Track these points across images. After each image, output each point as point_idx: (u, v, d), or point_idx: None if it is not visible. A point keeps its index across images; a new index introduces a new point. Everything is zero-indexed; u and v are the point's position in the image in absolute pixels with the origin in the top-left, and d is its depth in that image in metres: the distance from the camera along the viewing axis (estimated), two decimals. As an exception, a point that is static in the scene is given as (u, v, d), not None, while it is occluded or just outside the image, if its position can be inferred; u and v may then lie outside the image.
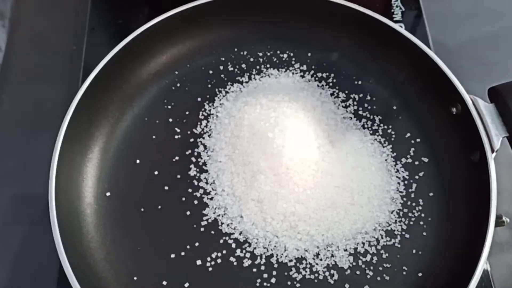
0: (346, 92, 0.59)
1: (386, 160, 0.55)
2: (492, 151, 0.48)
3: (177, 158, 0.55)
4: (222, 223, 0.52)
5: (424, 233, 0.52)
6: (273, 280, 0.49)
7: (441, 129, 0.55)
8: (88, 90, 0.52)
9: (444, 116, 0.54)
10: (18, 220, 0.58)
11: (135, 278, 0.50)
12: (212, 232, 0.52)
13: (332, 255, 0.50)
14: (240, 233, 0.51)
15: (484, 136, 0.49)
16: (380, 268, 0.50)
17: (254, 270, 0.50)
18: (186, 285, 0.49)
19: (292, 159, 0.52)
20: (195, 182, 0.54)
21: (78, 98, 0.52)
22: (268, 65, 0.61)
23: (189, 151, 0.56)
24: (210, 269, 0.50)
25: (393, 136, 0.56)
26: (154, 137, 0.57)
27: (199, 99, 0.59)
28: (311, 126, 0.55)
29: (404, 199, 0.53)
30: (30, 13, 0.73)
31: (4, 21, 0.71)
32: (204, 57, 0.61)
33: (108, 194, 0.54)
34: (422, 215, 0.52)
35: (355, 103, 0.59)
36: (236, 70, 0.61)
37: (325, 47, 0.61)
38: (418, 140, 0.56)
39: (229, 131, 0.56)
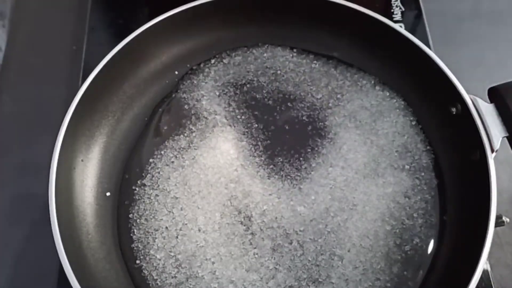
0: (346, 92, 0.59)
1: (386, 160, 0.55)
2: (492, 151, 0.48)
3: (177, 158, 0.56)
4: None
5: (424, 233, 0.52)
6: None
7: (441, 129, 0.55)
8: (88, 90, 0.52)
9: (444, 116, 0.54)
10: (18, 220, 0.58)
11: (135, 278, 0.50)
12: (212, 232, 0.52)
13: (332, 259, 0.50)
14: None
15: (484, 136, 0.49)
16: (379, 267, 0.50)
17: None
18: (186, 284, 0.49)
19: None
20: (195, 182, 0.54)
21: (78, 98, 0.52)
22: (267, 65, 0.61)
23: (189, 151, 0.56)
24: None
25: (393, 136, 0.56)
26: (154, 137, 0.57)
27: (199, 99, 0.59)
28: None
29: (405, 199, 0.53)
30: (30, 13, 0.73)
31: (4, 21, 0.71)
32: (204, 57, 0.61)
33: (108, 194, 0.54)
34: (422, 215, 0.52)
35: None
36: (236, 70, 0.61)
37: (325, 47, 0.61)
38: (418, 140, 0.56)
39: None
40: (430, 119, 0.57)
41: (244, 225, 0.51)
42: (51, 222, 0.46)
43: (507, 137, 0.48)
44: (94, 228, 0.52)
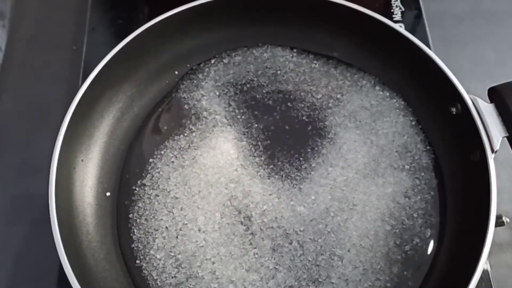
0: (346, 92, 0.59)
1: (386, 160, 0.55)
2: (492, 151, 0.48)
3: (177, 158, 0.56)
4: (222, 223, 0.52)
5: (424, 233, 0.52)
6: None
7: (441, 129, 0.55)
8: (88, 90, 0.52)
9: (444, 116, 0.54)
10: (18, 220, 0.58)
11: (135, 278, 0.50)
12: (212, 232, 0.52)
13: (332, 259, 0.51)
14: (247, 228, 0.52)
15: (484, 136, 0.49)
16: (379, 267, 0.50)
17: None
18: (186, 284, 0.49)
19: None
20: (195, 182, 0.54)
21: (78, 98, 0.52)
22: (267, 65, 0.61)
23: (189, 151, 0.56)
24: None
25: (393, 136, 0.56)
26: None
27: (199, 99, 0.59)
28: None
29: (405, 199, 0.53)
30: (30, 13, 0.73)
31: (4, 21, 0.71)
32: (204, 57, 0.61)
33: (108, 194, 0.54)
34: (422, 215, 0.52)
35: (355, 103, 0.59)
36: (236, 70, 0.61)
37: (325, 47, 0.61)
38: (418, 140, 0.56)
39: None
40: (430, 119, 0.57)
41: (244, 225, 0.52)
42: (51, 222, 0.46)
43: (507, 137, 0.48)
44: (94, 228, 0.52)
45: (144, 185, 0.54)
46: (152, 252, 0.51)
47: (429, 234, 0.52)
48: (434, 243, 0.51)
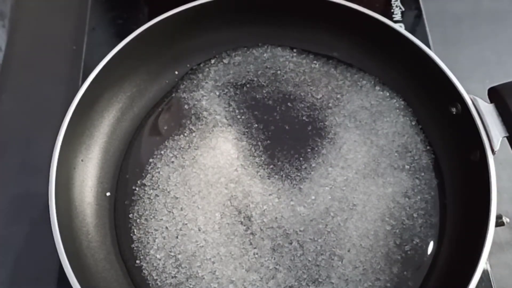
0: (346, 92, 0.59)
1: (386, 160, 0.55)
2: (492, 151, 0.48)
3: (177, 158, 0.56)
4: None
5: (424, 233, 0.52)
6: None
7: (441, 129, 0.55)
8: (88, 90, 0.52)
9: (444, 116, 0.54)
10: (18, 220, 0.58)
11: (135, 278, 0.50)
12: (212, 232, 0.52)
13: (332, 259, 0.50)
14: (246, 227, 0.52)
15: (484, 136, 0.49)
16: (379, 267, 0.50)
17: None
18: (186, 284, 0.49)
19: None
20: (195, 182, 0.54)
21: (78, 98, 0.52)
22: (267, 65, 0.61)
23: (189, 151, 0.56)
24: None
25: (393, 136, 0.56)
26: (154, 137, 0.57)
27: (199, 99, 0.59)
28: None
29: (405, 199, 0.53)
30: (30, 13, 0.73)
31: (4, 21, 0.71)
32: (204, 57, 0.61)
33: (108, 194, 0.54)
34: (422, 215, 0.52)
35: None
36: (236, 70, 0.61)
37: (325, 47, 0.61)
38: (418, 140, 0.56)
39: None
40: (430, 119, 0.57)
41: (244, 225, 0.52)
42: (51, 222, 0.46)
43: (507, 137, 0.48)
44: (94, 228, 0.52)
45: (144, 185, 0.54)
46: (152, 252, 0.51)
47: (429, 234, 0.52)
48: (434, 243, 0.51)
